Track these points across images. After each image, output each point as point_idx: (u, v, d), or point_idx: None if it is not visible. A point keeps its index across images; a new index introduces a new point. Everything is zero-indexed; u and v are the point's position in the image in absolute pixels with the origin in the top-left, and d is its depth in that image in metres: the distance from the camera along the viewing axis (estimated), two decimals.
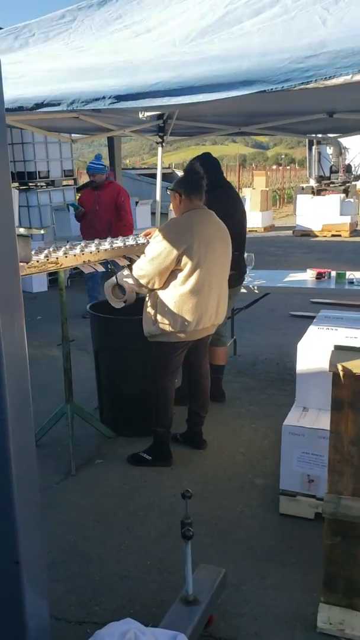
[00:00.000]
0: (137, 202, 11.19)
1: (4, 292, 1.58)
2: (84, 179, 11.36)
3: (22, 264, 2.98)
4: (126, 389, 4.04)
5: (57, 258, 3.27)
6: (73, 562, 2.81)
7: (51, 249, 3.36)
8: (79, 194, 8.56)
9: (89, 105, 2.22)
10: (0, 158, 1.54)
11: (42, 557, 1.79)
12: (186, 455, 3.81)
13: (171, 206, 3.61)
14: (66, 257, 3.34)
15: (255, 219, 15.85)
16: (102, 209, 6.97)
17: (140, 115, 2.67)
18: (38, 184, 10.47)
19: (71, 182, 11.14)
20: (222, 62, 2.03)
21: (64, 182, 10.87)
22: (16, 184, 10.57)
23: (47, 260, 3.20)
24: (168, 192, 3.59)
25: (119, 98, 2.14)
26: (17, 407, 1.66)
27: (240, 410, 4.49)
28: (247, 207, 16.23)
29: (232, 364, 5.39)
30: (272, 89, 1.93)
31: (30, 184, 10.50)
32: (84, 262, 3.49)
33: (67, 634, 2.34)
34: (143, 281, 3.46)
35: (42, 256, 3.20)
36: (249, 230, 15.93)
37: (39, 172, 10.16)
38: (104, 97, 2.20)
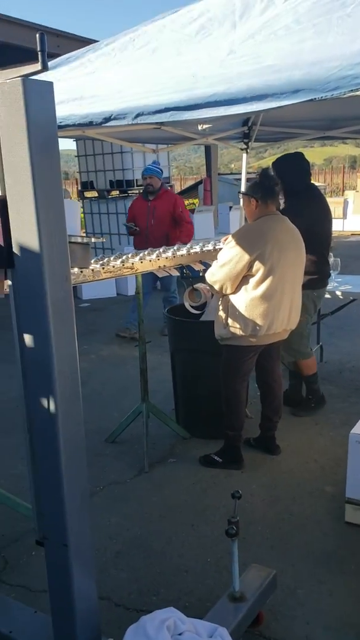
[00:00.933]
0: (230, 207, 11.29)
1: (56, 296, 1.72)
2: (184, 184, 11.63)
3: (97, 268, 3.17)
4: (201, 391, 4.13)
5: (132, 263, 3.43)
6: (137, 554, 2.94)
7: (129, 255, 3.53)
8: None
9: (151, 119, 2.35)
10: (52, 171, 1.69)
11: (88, 541, 1.91)
12: (258, 460, 3.84)
13: (244, 211, 3.66)
14: (142, 262, 3.49)
15: (356, 222, 15.40)
16: (158, 223, 6.21)
17: (200, 127, 2.75)
18: (136, 192, 10.83)
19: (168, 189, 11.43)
20: (274, 73, 2.08)
21: None
22: (116, 192, 11.02)
23: (123, 265, 3.37)
24: (240, 197, 3.63)
25: (178, 109, 2.25)
26: (66, 402, 1.78)
27: (319, 418, 4.44)
28: (350, 210, 15.81)
29: (317, 370, 5.32)
30: (321, 97, 1.96)
31: (129, 191, 10.90)
32: (159, 267, 3.62)
33: (123, 619, 2.46)
34: (216, 286, 3.54)
35: (118, 262, 3.37)
36: (351, 234, 15.54)
37: (136, 180, 10.51)
38: (165, 110, 2.32)
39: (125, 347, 6.47)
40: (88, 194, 11.35)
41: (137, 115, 2.36)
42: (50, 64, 3.25)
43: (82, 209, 11.11)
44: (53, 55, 7.13)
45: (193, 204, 15.58)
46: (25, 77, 1.60)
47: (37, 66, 1.61)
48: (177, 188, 23.38)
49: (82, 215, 11.49)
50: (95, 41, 5.44)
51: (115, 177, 10.61)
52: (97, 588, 1.99)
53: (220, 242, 4.13)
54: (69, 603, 1.90)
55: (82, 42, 7.87)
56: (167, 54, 2.64)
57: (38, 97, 1.62)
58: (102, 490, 3.57)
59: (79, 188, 11.94)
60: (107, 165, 10.67)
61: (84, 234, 10.96)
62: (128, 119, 2.39)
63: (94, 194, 11.20)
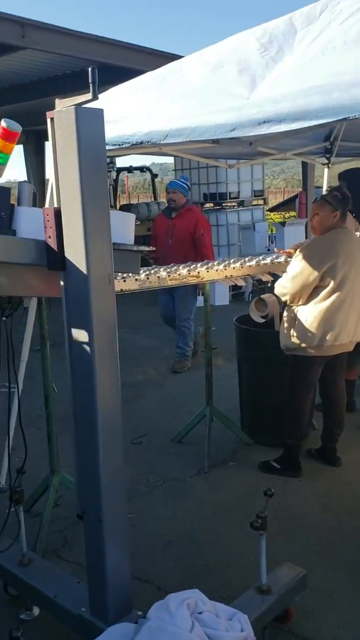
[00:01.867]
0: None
1: (99, 296, 1.95)
2: (278, 198, 11.70)
3: (163, 275, 3.40)
4: (266, 399, 4.23)
5: (198, 272, 3.62)
6: (185, 545, 3.11)
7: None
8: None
9: (204, 136, 2.54)
10: (100, 187, 1.93)
11: (123, 519, 2.11)
12: (318, 470, 3.88)
13: (314, 221, 3.66)
14: (208, 271, 3.68)
15: None
16: (177, 244, 5.63)
17: (251, 145, 2.90)
18: (229, 204, 11.04)
19: (261, 202, 11.53)
20: (317, 94, 2.21)
21: (254, 202, 11.30)
22: (210, 204, 11.28)
23: (189, 273, 3.57)
24: (315, 207, 3.63)
25: (226, 128, 2.43)
26: (105, 387, 2.00)
27: None
28: None
29: None
30: (354, 116, 2.07)
31: (223, 204, 11.12)
32: (225, 276, 3.79)
33: None
34: (285, 298, 3.63)
35: (185, 270, 3.58)
36: None
37: (229, 192, 10.71)
38: (220, 129, 2.51)
39: (203, 354, 6.65)
40: None
41: (190, 134, 2.56)
42: (133, 81, 3.54)
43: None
44: (141, 72, 7.52)
45: (293, 216, 15.58)
46: (78, 106, 1.85)
47: (89, 96, 1.85)
48: (279, 199, 23.39)
49: None
50: (179, 57, 5.70)
51: (209, 190, 10.87)
52: (130, 565, 2.19)
53: (280, 255, 4.18)
54: (102, 574, 2.11)
55: (168, 57, 8.21)
56: (229, 72, 2.81)
57: (88, 123, 1.87)
58: (162, 485, 3.77)
59: None
60: (201, 179, 10.95)
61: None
62: (183, 137, 2.59)
63: None
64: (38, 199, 2.33)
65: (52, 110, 1.95)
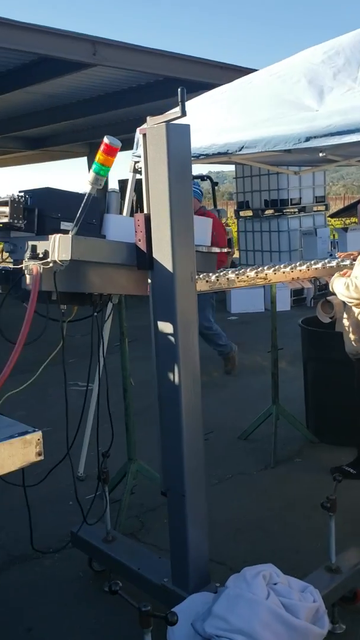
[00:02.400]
0: None
1: (183, 292, 2.17)
2: (338, 204, 11.70)
3: (232, 277, 3.58)
4: (331, 399, 4.35)
5: (266, 274, 3.79)
6: (254, 533, 3.29)
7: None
8: None
9: (277, 147, 2.73)
10: (185, 195, 2.15)
11: (203, 495, 2.31)
12: None
13: None
14: (275, 273, 3.84)
15: None
16: None
17: (321, 154, 3.06)
18: (290, 211, 11.13)
19: (322, 208, 11.57)
20: None
21: (315, 208, 11.35)
22: (270, 211, 11.41)
23: (257, 275, 3.74)
24: None
25: (298, 140, 2.61)
26: (188, 375, 2.21)
27: None
28: None
29: None
30: None
31: (284, 210, 11.23)
32: (292, 279, 3.94)
33: None
34: (350, 301, 3.72)
35: (252, 273, 3.76)
36: None
37: (291, 199, 10.81)
38: (294, 139, 2.69)
39: (267, 357, 6.78)
40: (243, 213, 11.85)
41: (266, 144, 2.76)
42: (207, 94, 3.77)
43: (235, 227, 11.66)
44: (218, 86, 7.73)
45: (354, 222, 15.48)
46: (168, 122, 2.08)
47: (178, 113, 2.08)
48: (339, 205, 23.12)
49: (236, 233, 12.03)
50: (254, 70, 5.89)
51: (270, 196, 11.00)
52: (209, 546, 2.38)
53: (340, 258, 4.28)
54: (184, 547, 2.32)
55: (245, 72, 8.41)
56: (298, 84, 2.99)
57: (177, 138, 2.09)
58: (230, 478, 3.96)
59: (235, 208, 12.51)
60: (262, 186, 11.10)
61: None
62: (258, 148, 2.79)
63: (249, 213, 11.68)
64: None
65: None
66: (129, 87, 9.50)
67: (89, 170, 2.15)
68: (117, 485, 3.59)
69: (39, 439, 1.84)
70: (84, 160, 17.32)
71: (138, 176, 3.88)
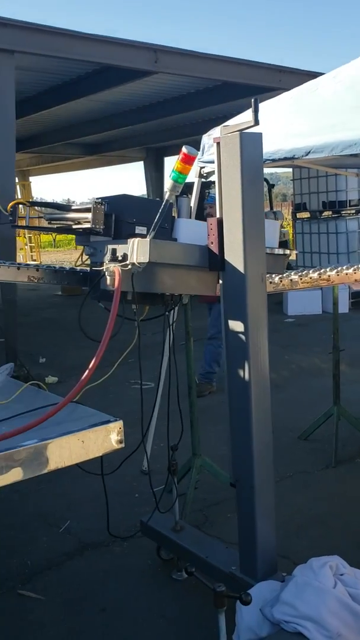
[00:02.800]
0: None
1: (253, 292, 2.28)
2: None
3: (295, 279, 3.66)
4: None
5: (329, 275, 3.85)
6: (316, 528, 3.36)
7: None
8: None
9: (345, 151, 2.81)
10: (256, 200, 2.25)
11: (271, 486, 2.41)
12: None
13: None
14: (338, 275, 3.89)
15: None
16: None
17: None
18: (348, 212, 11.05)
19: None
20: None
21: None
22: (328, 213, 11.36)
23: (320, 277, 3.81)
24: None
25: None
26: (257, 371, 2.32)
27: None
28: None
29: None
30: None
31: (342, 212, 11.15)
32: (355, 280, 3.98)
33: None
34: None
35: (315, 274, 3.82)
36: None
37: (349, 200, 10.74)
38: (356, 144, 2.76)
39: (325, 359, 6.80)
40: (300, 215, 11.84)
41: (332, 149, 2.83)
42: (274, 100, 3.86)
43: (292, 229, 11.64)
44: (275, 89, 7.80)
45: None
46: (241, 131, 2.19)
47: (251, 122, 2.18)
48: None
49: (292, 235, 12.01)
50: (319, 74, 5.92)
51: (329, 198, 10.95)
52: (276, 537, 2.48)
53: None
54: (252, 536, 2.42)
55: (304, 75, 8.43)
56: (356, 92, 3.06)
57: (250, 145, 2.21)
58: (291, 477, 4.03)
59: (293, 209, 12.51)
60: (320, 187, 11.06)
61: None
62: (325, 153, 2.87)
63: (306, 214, 11.66)
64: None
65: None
66: (187, 92, 9.67)
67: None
68: (181, 480, 3.72)
69: (120, 428, 1.99)
70: (140, 164, 17.64)
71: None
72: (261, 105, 3.90)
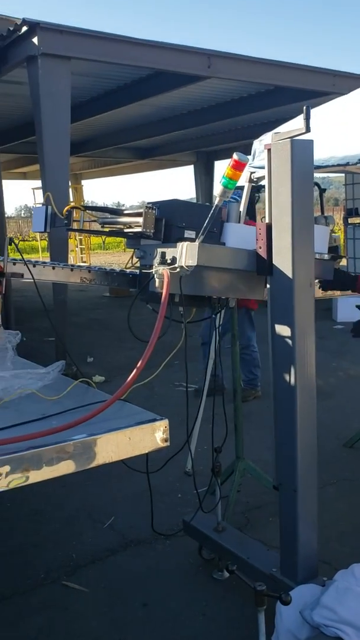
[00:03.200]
0: None
1: (300, 297, 2.30)
2: None
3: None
4: None
5: None
6: (358, 535, 3.33)
7: None
8: None
9: None
10: (306, 206, 2.28)
11: (314, 490, 2.42)
12: None
13: None
14: None
15: None
16: None
17: None
18: None
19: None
20: None
21: None
22: None
23: None
24: None
25: None
26: (303, 376, 2.34)
27: None
28: None
29: None
30: None
31: None
32: None
33: None
34: None
35: None
36: None
37: None
38: None
39: None
40: (352, 220, 11.68)
41: None
42: (325, 106, 3.85)
43: (344, 234, 11.51)
44: (329, 94, 7.76)
45: None
46: (292, 138, 2.22)
47: (302, 129, 2.21)
48: None
49: (343, 240, 11.86)
50: None
51: None
52: (318, 542, 2.48)
53: None
54: (294, 539, 2.44)
55: (353, 78, 8.35)
56: None
57: (300, 153, 2.23)
58: (334, 484, 4.01)
59: (344, 214, 12.35)
60: None
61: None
62: None
63: (358, 220, 11.49)
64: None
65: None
66: (239, 96, 9.70)
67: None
68: (224, 482, 3.75)
69: (165, 426, 2.04)
70: (190, 168, 17.73)
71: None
72: (314, 110, 3.93)
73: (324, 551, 3.17)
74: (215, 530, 3.00)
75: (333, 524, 3.46)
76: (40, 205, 2.70)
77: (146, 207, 2.41)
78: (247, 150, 4.19)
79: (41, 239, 21.22)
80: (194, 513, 3.06)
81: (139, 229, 2.48)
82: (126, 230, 2.57)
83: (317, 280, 3.40)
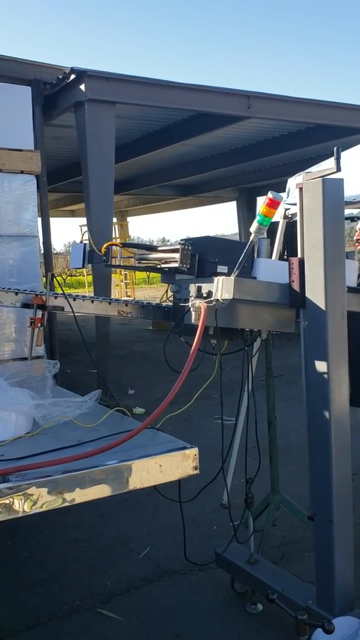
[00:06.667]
0: None
1: (334, 330, 2.35)
2: None
3: None
4: None
5: None
6: None
7: None
8: None
9: None
10: (337, 242, 2.34)
11: (350, 520, 2.42)
12: None
13: None
14: None
15: None
16: None
17: None
18: None
19: None
20: None
21: None
22: None
23: None
24: None
25: None
26: (337, 410, 2.37)
27: None
28: None
29: None
30: None
31: None
32: None
33: None
34: None
35: None
36: None
37: None
38: None
39: None
40: None
41: None
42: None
43: None
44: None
45: None
46: (323, 177, 2.31)
47: (333, 169, 2.30)
48: None
49: None
50: None
51: None
52: (355, 575, 2.47)
53: None
54: (330, 570, 2.43)
55: None
56: None
57: (332, 192, 2.32)
58: None
59: None
60: None
61: None
62: None
63: None
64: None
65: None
66: (280, 134, 9.88)
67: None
68: (259, 516, 3.74)
69: (195, 455, 2.11)
70: (232, 204, 17.99)
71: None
72: (347, 152, 4.02)
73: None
74: (247, 562, 3.00)
75: None
76: (79, 243, 2.85)
77: (180, 243, 2.52)
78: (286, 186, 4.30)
79: (87, 274, 21.72)
80: (227, 544, 3.07)
81: (174, 264, 2.59)
82: (162, 265, 2.69)
83: None
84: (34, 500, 1.76)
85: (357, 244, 3.49)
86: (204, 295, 2.42)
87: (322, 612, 2.45)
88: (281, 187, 4.55)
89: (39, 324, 2.71)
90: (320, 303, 2.35)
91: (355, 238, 3.45)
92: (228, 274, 2.44)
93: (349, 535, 2.44)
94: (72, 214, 20.58)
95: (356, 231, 3.68)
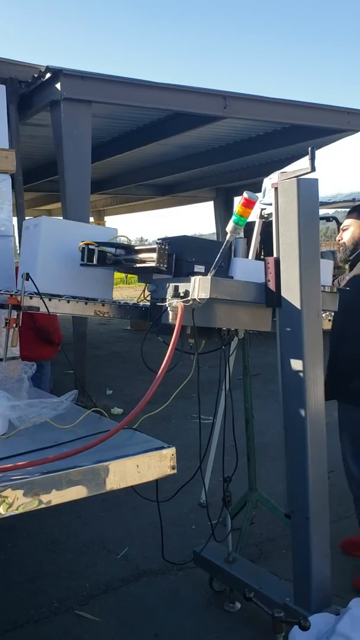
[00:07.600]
0: None
1: (310, 328, 2.37)
2: None
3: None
4: None
5: None
6: None
7: None
8: None
9: None
10: (312, 242, 2.36)
11: (326, 517, 2.45)
12: None
13: None
14: None
15: None
16: None
17: None
18: None
19: None
20: None
21: None
22: None
23: None
24: None
25: None
26: (312, 406, 2.39)
27: None
28: None
29: None
30: None
31: None
32: None
33: None
34: None
35: None
36: None
37: None
38: None
39: None
40: None
41: None
42: (333, 145, 3.98)
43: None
44: (343, 131, 7.91)
45: None
46: (298, 177, 2.32)
47: (308, 169, 2.31)
48: None
49: None
50: None
51: None
52: (332, 573, 2.49)
53: None
54: (307, 567, 2.45)
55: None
56: None
57: (306, 191, 2.33)
58: (349, 517, 3.95)
59: None
60: None
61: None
62: None
63: None
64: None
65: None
66: (256, 135, 9.93)
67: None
68: (237, 514, 3.76)
69: (172, 454, 2.10)
70: (210, 204, 18.03)
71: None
72: (329, 147, 4.05)
73: (338, 584, 3.16)
74: (225, 560, 3.01)
75: (347, 558, 3.44)
76: None
77: (157, 243, 2.52)
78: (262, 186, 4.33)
79: None
80: (205, 543, 3.08)
81: (152, 264, 2.59)
82: (138, 265, 2.68)
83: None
84: (9, 502, 1.74)
85: (337, 245, 3.50)
86: (181, 294, 2.42)
87: (299, 609, 2.47)
88: (257, 187, 4.59)
89: (14, 325, 2.68)
90: (296, 302, 2.36)
91: (337, 239, 3.47)
92: (205, 274, 2.45)
93: (325, 532, 2.46)
94: (49, 213, 20.45)
95: (339, 232, 3.68)
